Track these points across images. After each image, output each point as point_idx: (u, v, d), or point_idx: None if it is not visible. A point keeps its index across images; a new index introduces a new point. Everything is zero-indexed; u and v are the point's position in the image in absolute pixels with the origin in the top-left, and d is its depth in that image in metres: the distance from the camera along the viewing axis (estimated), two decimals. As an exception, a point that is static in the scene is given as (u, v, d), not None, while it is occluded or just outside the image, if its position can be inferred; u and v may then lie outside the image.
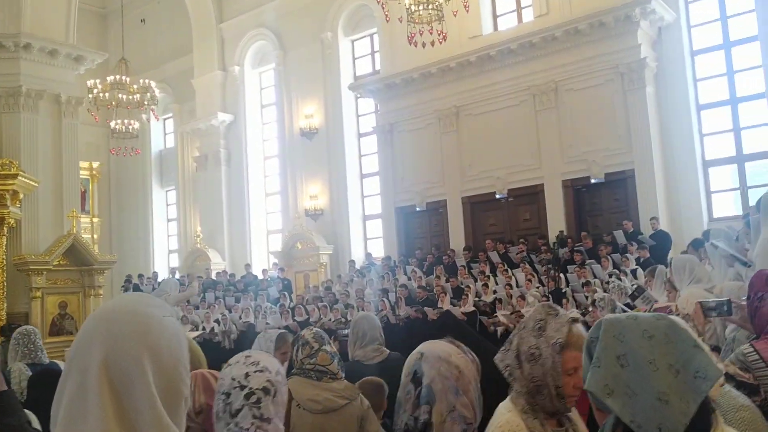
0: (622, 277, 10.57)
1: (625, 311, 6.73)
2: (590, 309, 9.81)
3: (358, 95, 18.45)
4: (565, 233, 12.51)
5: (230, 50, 21.46)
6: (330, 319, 14.05)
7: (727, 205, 13.48)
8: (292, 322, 14.08)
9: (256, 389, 1.77)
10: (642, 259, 11.41)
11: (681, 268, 5.40)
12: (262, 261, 20.09)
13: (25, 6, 13.67)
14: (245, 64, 21.29)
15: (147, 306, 1.18)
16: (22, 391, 4.22)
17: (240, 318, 15.29)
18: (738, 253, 5.95)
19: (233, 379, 1.79)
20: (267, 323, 14.58)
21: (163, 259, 23.57)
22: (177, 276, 19.20)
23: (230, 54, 21.45)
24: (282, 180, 20.14)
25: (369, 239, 18.68)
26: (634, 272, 10.97)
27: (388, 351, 4.17)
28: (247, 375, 1.80)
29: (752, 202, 12.29)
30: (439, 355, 2.01)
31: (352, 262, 17.17)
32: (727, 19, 13.29)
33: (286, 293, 16.20)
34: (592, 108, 13.57)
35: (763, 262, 5.35)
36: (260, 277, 17.88)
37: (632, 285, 9.60)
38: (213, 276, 18.71)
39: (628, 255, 11.49)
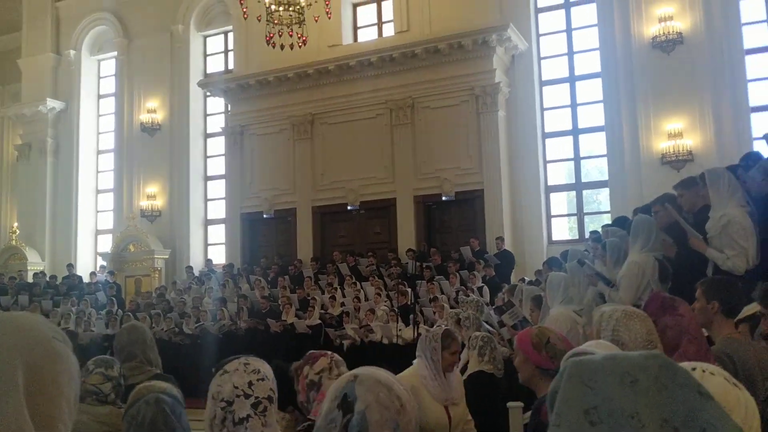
0: (470, 294, 10.69)
1: (490, 331, 6.68)
2: (440, 324, 9.79)
3: (208, 93, 17.58)
4: (426, 247, 12.54)
5: (66, 32, 19.66)
6: (162, 329, 13.07)
7: (564, 229, 14.24)
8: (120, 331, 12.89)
9: (263, 398, 1.79)
10: (487, 277, 11.65)
11: (556, 285, 5.37)
12: (88, 263, 18.42)
13: None
14: (83, 49, 19.60)
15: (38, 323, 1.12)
16: None
17: (59, 324, 13.78)
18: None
19: (236, 387, 1.78)
20: (91, 330, 13.30)
21: (-31, 256, 20.92)
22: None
23: (66, 36, 19.65)
24: (117, 176, 18.66)
25: (210, 245, 17.77)
26: (480, 289, 11.15)
27: (156, 371, 3.63)
28: (250, 384, 1.79)
29: (588, 228, 13.10)
30: (378, 380, 1.57)
31: (190, 268, 16.19)
32: (573, 55, 14.12)
33: (114, 299, 14.91)
34: (447, 127, 13.79)
35: (628, 284, 5.46)
36: (87, 280, 16.33)
37: (479, 301, 9.69)
38: (29, 277, 16.83)
39: (475, 272, 11.68)
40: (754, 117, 12.26)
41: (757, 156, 5.98)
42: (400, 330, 10.60)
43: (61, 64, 19.59)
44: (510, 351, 6.26)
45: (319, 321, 11.81)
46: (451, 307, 10.22)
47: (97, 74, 20.01)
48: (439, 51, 13.81)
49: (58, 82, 19.58)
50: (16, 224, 18.92)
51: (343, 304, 12.09)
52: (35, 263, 18.11)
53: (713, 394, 1.28)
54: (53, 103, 19.21)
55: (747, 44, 12.37)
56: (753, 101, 12.30)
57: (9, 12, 20.03)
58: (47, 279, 16.55)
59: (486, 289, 11.19)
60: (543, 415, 3.00)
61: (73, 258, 18.16)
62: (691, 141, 12.12)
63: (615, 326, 2.42)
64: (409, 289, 11.38)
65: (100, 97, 19.96)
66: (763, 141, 6.67)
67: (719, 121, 12.07)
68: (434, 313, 10.73)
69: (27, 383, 1.05)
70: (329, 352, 2.78)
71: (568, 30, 14.20)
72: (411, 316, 10.57)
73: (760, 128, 11.78)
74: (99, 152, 19.74)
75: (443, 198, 13.75)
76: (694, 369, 1.36)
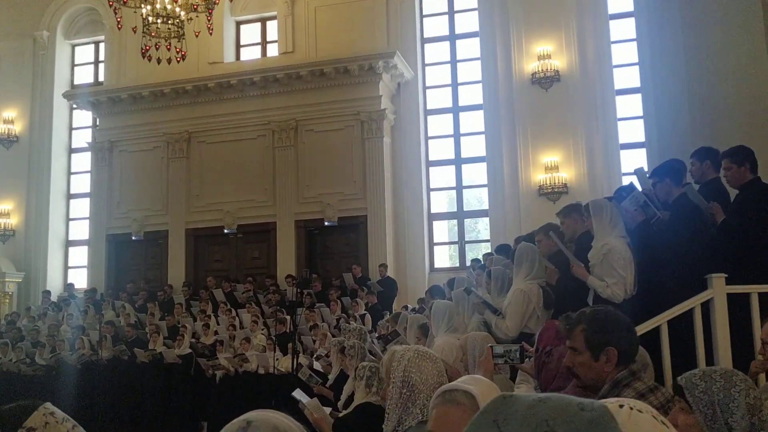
0: (351, 322, 10.41)
1: (373, 357, 6.41)
2: (321, 354, 9.43)
3: (75, 106, 16.40)
4: (307, 274, 12.15)
5: None
6: (11, 360, 11.89)
7: (445, 257, 14.35)
8: (-40, 363, 11.58)
9: None
10: (370, 305, 11.44)
11: (441, 314, 5.28)
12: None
13: None
14: (-72, 49, 17.75)
15: None
16: None
17: None
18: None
19: None
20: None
21: None
22: None
23: None
24: (-36, 191, 16.90)
25: (71, 268, 16.44)
26: (362, 317, 10.91)
27: None
28: None
29: (468, 256, 13.25)
30: (276, 426, 1.27)
31: (47, 292, 14.89)
32: (457, 86, 14.37)
33: (-46, 327, 13.41)
34: (331, 151, 13.59)
35: (515, 311, 5.40)
36: None
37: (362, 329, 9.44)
38: None
39: (358, 299, 11.44)
40: (624, 153, 12.95)
41: (630, 188, 6.17)
42: (277, 359, 10.15)
43: None
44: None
45: (190, 350, 11.11)
46: (333, 336, 9.91)
47: (-56, 79, 18.21)
48: (325, 74, 13.63)
49: None
50: None
51: (216, 333, 11.47)
52: None
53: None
54: None
55: (617, 85, 13.09)
56: (622, 138, 13.01)
57: None
58: None
59: (368, 317, 10.96)
60: None
61: None
62: (566, 174, 12.57)
63: (406, 366, 2.35)
64: (288, 317, 10.97)
65: (-52, 103, 18.14)
66: (634, 176, 6.91)
67: (592, 155, 12.63)
68: (314, 341, 10.36)
69: None
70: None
71: (453, 62, 14.47)
72: (289, 345, 10.15)
73: (628, 164, 12.47)
74: (-56, 164, 17.88)
75: (326, 223, 13.49)
76: (621, 406, 1.20)
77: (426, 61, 14.59)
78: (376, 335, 8.91)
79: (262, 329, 11.25)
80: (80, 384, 11.06)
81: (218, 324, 11.76)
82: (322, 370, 8.87)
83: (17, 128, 16.62)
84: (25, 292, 15.77)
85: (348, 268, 12.79)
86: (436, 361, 2.42)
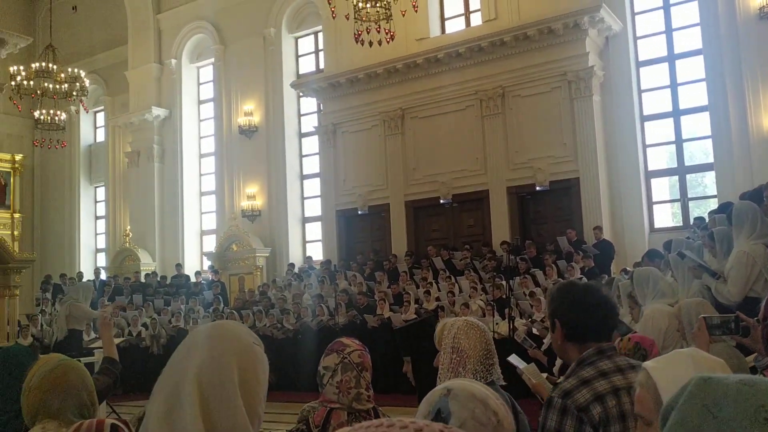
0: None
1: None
2: (536, 318, 9.62)
3: (301, 94, 17.95)
4: (518, 241, 12.33)
5: (167, 43, 20.58)
6: (265, 325, 13.54)
7: (666, 216, 13.60)
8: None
9: None
10: (586, 269, 11.30)
11: (644, 281, 5.10)
12: (194, 263, 19.29)
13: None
14: (183, 57, 20.46)
15: (243, 331, 1.42)
16: None
17: (170, 322, 14.55)
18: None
19: None
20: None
21: (90, 259, 22.39)
22: (103, 276, 18.20)
23: (167, 47, 20.57)
24: (218, 179, 19.41)
25: (308, 242, 18.17)
26: (578, 282, 10.82)
27: None
28: None
29: (693, 213, 12.45)
30: (473, 394, 1.48)
31: (291, 265, 16.63)
32: (672, 32, 13.41)
33: (220, 297, 15.56)
34: (539, 115, 13.46)
35: (738, 275, 5.15)
36: (193, 279, 17.12)
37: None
38: (142, 278, 17.83)
39: (573, 264, 11.36)
40: None
41: None
42: (496, 324, 10.47)
43: (164, 73, 20.53)
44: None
45: (415, 315, 11.83)
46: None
47: (197, 81, 20.82)
48: (529, 37, 13.49)
49: (161, 90, 20.54)
50: (129, 228, 20.07)
51: (438, 299, 12.07)
52: (147, 264, 19.14)
53: None
54: (158, 111, 20.18)
55: None
56: None
57: (117, 28, 21.22)
58: (158, 279, 17.47)
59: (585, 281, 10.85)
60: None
61: (180, 258, 19.05)
62: (806, 117, 11.27)
63: (456, 334, 2.51)
64: (504, 282, 11.22)
65: (200, 102, 20.76)
66: None
67: (838, 93, 11.15)
68: (531, 306, 10.53)
69: (240, 382, 1.32)
70: (349, 349, 2.36)
71: (666, 6, 13.48)
72: (506, 310, 10.41)
73: None
74: (201, 156, 20.55)
75: (537, 188, 13.44)
76: None
77: (635, 10, 13.76)
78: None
79: (481, 295, 11.64)
80: (320, 346, 12.20)
81: (439, 290, 12.36)
82: (538, 334, 9.07)
83: (256, 119, 18.63)
84: (272, 265, 17.75)
85: (561, 232, 12.68)
86: (483, 331, 2.65)
